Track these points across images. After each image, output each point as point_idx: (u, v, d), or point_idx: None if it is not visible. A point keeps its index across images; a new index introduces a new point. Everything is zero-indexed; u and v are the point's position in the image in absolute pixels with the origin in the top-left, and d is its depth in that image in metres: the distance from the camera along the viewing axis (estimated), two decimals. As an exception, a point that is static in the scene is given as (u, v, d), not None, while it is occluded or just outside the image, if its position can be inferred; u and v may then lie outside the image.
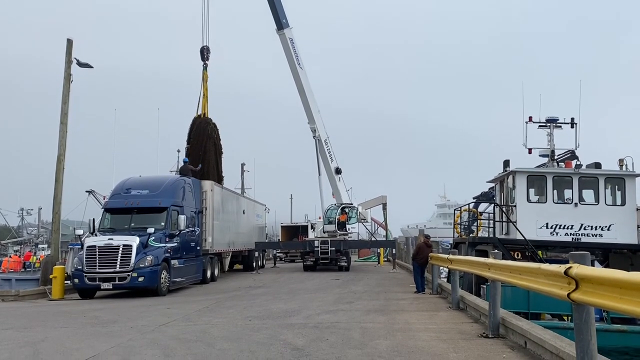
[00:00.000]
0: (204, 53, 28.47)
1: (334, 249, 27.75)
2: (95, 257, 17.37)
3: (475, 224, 22.51)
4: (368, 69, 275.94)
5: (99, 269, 17.33)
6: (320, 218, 33.82)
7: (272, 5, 30.29)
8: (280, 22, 30.42)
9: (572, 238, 18.34)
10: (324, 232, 30.35)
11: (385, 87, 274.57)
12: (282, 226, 44.18)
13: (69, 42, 21.96)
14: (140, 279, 17.30)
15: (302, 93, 31.52)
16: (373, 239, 41.50)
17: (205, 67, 28.50)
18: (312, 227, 40.26)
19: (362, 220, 34.69)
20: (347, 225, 30.68)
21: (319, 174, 32.35)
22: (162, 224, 18.96)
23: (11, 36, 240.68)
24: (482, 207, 25.01)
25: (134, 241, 17.56)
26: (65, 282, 18.77)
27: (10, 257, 48.37)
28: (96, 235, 18.70)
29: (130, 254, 17.33)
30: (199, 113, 27.81)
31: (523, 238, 17.48)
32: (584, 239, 18.21)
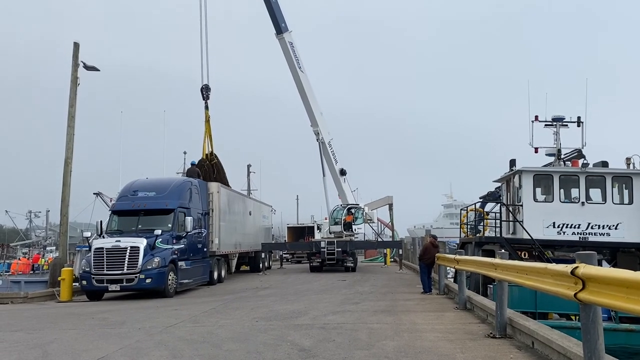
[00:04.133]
0: (204, 92, 27.19)
1: (340, 249, 27.74)
2: (103, 259, 17.47)
3: (481, 223, 22.42)
4: (371, 68, 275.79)
5: (106, 270, 17.42)
6: (326, 219, 33.86)
7: (270, 10, 30.15)
8: (280, 27, 30.28)
9: (579, 237, 18.26)
10: (330, 233, 30.36)
11: (390, 87, 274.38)
12: (288, 227, 44.24)
13: (76, 46, 22.09)
14: (148, 280, 17.37)
15: (304, 96, 31.50)
16: (379, 239, 41.49)
17: (206, 107, 27.19)
18: (319, 228, 40.26)
19: (369, 221, 34.66)
20: (353, 226, 30.67)
21: (324, 176, 32.43)
22: (169, 225, 19.03)
23: (21, 39, 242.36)
24: (489, 206, 24.94)
25: (141, 243, 17.64)
26: (74, 284, 18.89)
27: (19, 259, 48.64)
28: (104, 237, 18.82)
29: (138, 255, 17.41)
30: (206, 153, 26.71)
31: (530, 237, 17.43)
32: (591, 238, 18.13)
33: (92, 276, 17.49)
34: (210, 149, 27.02)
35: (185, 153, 39.33)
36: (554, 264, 6.78)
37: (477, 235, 21.62)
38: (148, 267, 17.41)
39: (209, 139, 27.15)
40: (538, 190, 19.11)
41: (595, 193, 18.89)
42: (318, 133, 31.95)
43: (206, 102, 27.33)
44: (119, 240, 17.85)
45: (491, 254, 15.71)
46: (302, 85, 31.19)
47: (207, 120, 27.20)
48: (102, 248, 17.67)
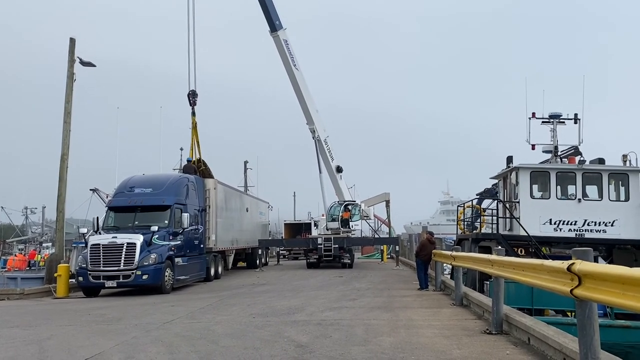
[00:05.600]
0: (191, 98, 26.59)
1: (337, 246, 27.79)
2: (100, 256, 17.45)
3: (478, 220, 22.47)
4: (368, 65, 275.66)
5: (103, 267, 17.41)
6: (323, 215, 33.90)
7: (264, 8, 30.04)
8: (274, 24, 30.15)
9: (576, 234, 18.31)
10: (327, 230, 30.41)
11: (386, 83, 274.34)
12: (285, 224, 44.20)
13: (72, 41, 22.00)
14: (145, 277, 17.37)
15: (299, 94, 31.46)
16: (376, 236, 41.59)
17: (193, 113, 26.62)
18: (315, 225, 40.34)
19: (365, 218, 34.70)
20: (350, 223, 30.71)
21: (320, 173, 32.46)
22: (166, 222, 19.01)
23: (17, 37, 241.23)
24: (486, 203, 25.00)
25: (138, 239, 17.63)
26: (70, 280, 18.86)
27: (15, 255, 48.58)
28: (100, 233, 18.81)
29: (134, 252, 17.41)
30: (193, 160, 25.94)
31: (526, 234, 17.46)
32: (587, 235, 18.18)
33: (89, 272, 17.48)
34: (198, 156, 26.52)
35: (181, 149, 39.19)
36: (551, 260, 6.79)
37: (474, 231, 21.65)
38: (145, 263, 17.40)
39: (197, 145, 26.64)
40: (535, 187, 19.14)
41: (592, 190, 18.93)
42: (314, 131, 31.98)
43: (193, 108, 26.73)
44: (116, 237, 17.83)
45: (488, 250, 15.75)
46: (297, 83, 31.14)
47: (194, 127, 26.67)
48: (99, 244, 17.65)
